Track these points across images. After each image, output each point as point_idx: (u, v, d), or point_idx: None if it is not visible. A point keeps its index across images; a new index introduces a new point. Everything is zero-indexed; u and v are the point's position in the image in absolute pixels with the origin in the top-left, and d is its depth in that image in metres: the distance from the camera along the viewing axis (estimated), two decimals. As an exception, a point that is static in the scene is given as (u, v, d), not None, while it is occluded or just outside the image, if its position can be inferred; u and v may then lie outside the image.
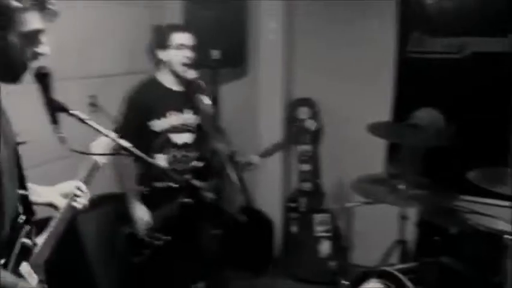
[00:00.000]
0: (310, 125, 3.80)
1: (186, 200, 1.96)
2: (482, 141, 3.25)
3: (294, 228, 3.78)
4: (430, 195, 2.60)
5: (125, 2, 3.15)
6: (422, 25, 3.33)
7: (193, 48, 2.50)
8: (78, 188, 1.57)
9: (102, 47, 3.04)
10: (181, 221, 2.39)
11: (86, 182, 1.57)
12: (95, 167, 1.57)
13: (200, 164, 2.47)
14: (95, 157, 1.57)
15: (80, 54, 2.85)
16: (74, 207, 1.55)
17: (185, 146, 2.57)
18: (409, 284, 2.28)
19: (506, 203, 2.52)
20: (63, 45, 2.61)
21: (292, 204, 3.85)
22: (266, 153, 2.73)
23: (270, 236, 3.82)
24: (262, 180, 3.94)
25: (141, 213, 2.46)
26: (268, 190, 3.93)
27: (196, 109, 2.53)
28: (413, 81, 3.44)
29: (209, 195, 1.92)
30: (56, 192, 1.60)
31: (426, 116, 3.36)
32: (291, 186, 3.98)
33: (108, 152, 1.55)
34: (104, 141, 1.59)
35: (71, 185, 1.61)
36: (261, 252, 3.78)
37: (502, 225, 2.42)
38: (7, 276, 1.30)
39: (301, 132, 3.80)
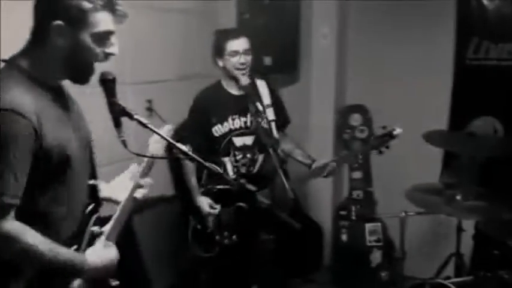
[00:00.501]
0: (362, 132, 3.75)
1: (241, 204, 2.00)
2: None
3: (344, 237, 3.73)
4: (487, 206, 2.50)
5: (177, 8, 3.23)
6: (482, 30, 3.23)
7: (247, 52, 2.55)
8: (137, 182, 1.61)
9: (157, 53, 3.14)
10: (238, 224, 2.43)
11: (143, 175, 1.62)
12: (152, 161, 1.63)
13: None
14: (151, 152, 1.62)
15: (136, 60, 2.95)
16: (135, 198, 1.60)
17: (247, 149, 2.62)
18: (465, 298, 2.20)
19: None
20: (122, 51, 2.73)
21: (343, 212, 3.80)
22: (341, 161, 2.68)
23: (320, 243, 3.80)
24: (313, 188, 3.93)
25: (206, 206, 2.51)
26: (319, 197, 3.91)
27: (256, 111, 2.57)
28: (472, 89, 3.34)
29: (264, 200, 1.94)
30: (113, 188, 1.67)
31: (485, 124, 3.25)
32: (342, 194, 3.94)
33: (164, 150, 1.60)
34: (160, 138, 1.63)
35: (125, 178, 1.67)
36: (310, 260, 3.75)
37: None
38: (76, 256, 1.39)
39: (353, 139, 3.76)
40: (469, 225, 2.78)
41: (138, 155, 1.49)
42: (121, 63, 2.71)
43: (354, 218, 3.69)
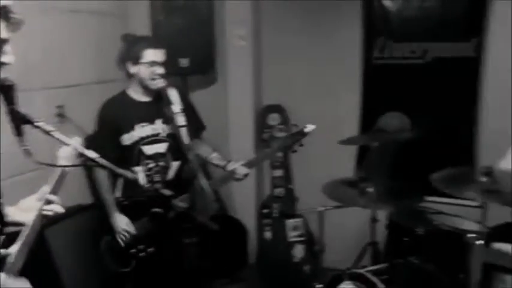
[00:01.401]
0: (281, 131, 3.84)
1: (156, 210, 1.97)
2: (448, 144, 3.35)
3: (268, 234, 3.80)
4: (398, 197, 2.65)
5: (88, 10, 3.12)
6: (386, 31, 3.42)
7: (164, 64, 2.51)
8: (47, 198, 1.54)
9: (69, 57, 3.01)
10: (156, 231, 2.38)
11: (54, 191, 1.55)
12: (63, 175, 1.56)
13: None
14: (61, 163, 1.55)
15: (47, 65, 2.82)
16: (44, 216, 1.52)
17: (159, 156, 2.57)
18: (380, 284, 2.33)
19: (472, 203, 2.62)
20: (30, 56, 2.59)
21: (265, 211, 3.87)
22: (254, 163, 2.68)
23: (244, 242, 3.84)
24: (236, 188, 3.95)
25: (122, 223, 2.45)
26: (242, 197, 3.94)
27: (166, 118, 2.53)
28: (380, 86, 3.52)
29: (180, 204, 1.92)
30: (20, 210, 1.58)
31: (393, 120, 3.45)
32: (264, 193, 4.01)
33: (74, 161, 1.54)
34: (70, 149, 1.57)
35: (31, 200, 1.58)
36: (235, 259, 3.79)
37: (466, 225, 2.50)
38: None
39: (272, 138, 3.83)
40: (382, 215, 2.94)
41: (44, 164, 1.42)
42: (32, 68, 2.59)
43: (276, 215, 3.77)
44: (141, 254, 2.43)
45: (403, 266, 2.50)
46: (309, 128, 2.59)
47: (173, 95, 2.61)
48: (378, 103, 3.53)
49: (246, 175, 2.60)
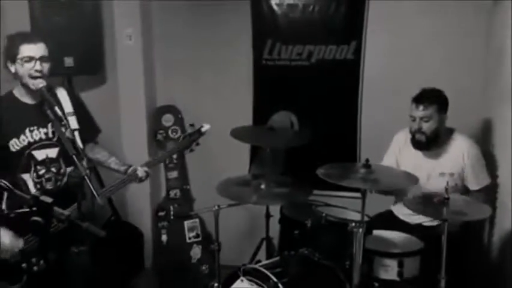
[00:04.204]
0: (175, 132, 3.82)
1: (36, 218, 1.85)
2: (334, 140, 3.57)
3: (164, 237, 3.76)
4: (287, 192, 2.77)
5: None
6: (274, 33, 3.55)
7: (45, 59, 2.35)
8: None
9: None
10: (43, 242, 2.22)
11: None
12: None
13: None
14: None
15: None
16: None
17: (51, 162, 2.42)
18: (273, 277, 2.41)
19: (355, 194, 2.82)
20: None
21: (161, 213, 3.83)
22: (153, 163, 2.62)
23: (140, 247, 3.75)
24: (131, 191, 3.86)
25: (5, 239, 2.24)
26: (137, 201, 3.85)
27: (57, 121, 2.38)
28: (269, 86, 3.65)
29: (61, 211, 1.83)
30: None
31: (282, 119, 3.59)
32: (160, 195, 3.95)
33: None
34: None
35: None
36: (131, 265, 3.69)
37: (350, 215, 2.69)
38: None
39: (166, 139, 3.80)
40: (276, 211, 3.05)
41: None
42: None
43: (172, 217, 3.74)
44: (33, 268, 2.27)
45: (295, 257, 2.62)
46: (206, 127, 2.65)
47: (62, 95, 2.47)
48: (268, 102, 3.66)
49: (147, 175, 2.55)
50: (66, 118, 2.32)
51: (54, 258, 2.33)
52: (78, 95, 2.79)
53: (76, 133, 2.37)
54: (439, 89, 2.79)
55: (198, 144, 2.74)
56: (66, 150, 2.34)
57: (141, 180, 2.58)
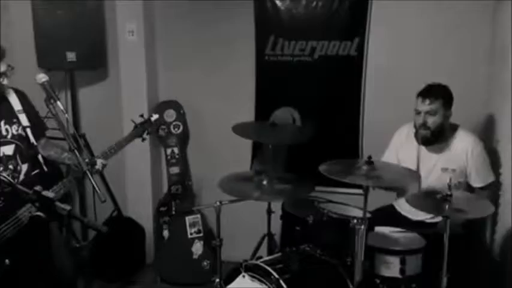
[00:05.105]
0: (177, 127, 3.81)
1: (39, 213, 1.84)
2: (336, 136, 3.55)
3: (166, 233, 3.76)
4: (289, 188, 2.76)
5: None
6: (277, 29, 3.53)
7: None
8: None
9: None
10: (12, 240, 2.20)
11: None
12: None
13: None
14: None
15: None
16: None
17: (7, 159, 2.41)
18: (274, 273, 2.40)
19: (356, 191, 2.81)
20: None
21: (163, 209, 3.83)
22: (107, 155, 2.62)
23: (141, 242, 3.76)
24: (133, 187, 3.86)
25: None
26: (139, 196, 3.86)
27: (10, 119, 2.40)
28: (272, 82, 3.63)
29: (64, 206, 1.81)
30: None
31: (284, 115, 3.58)
32: (162, 191, 3.95)
33: None
34: None
35: None
36: (132, 260, 3.69)
37: (352, 212, 2.68)
38: None
39: (168, 135, 3.80)
40: (278, 207, 3.04)
41: None
42: None
43: (173, 212, 3.73)
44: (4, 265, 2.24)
45: (296, 253, 2.61)
46: (154, 117, 2.84)
47: (11, 95, 2.48)
48: (271, 98, 3.64)
49: (104, 166, 2.53)
50: (17, 116, 2.35)
51: (25, 256, 2.30)
52: (67, 90, 2.80)
53: (28, 130, 2.40)
54: (445, 84, 2.78)
55: (149, 133, 2.85)
56: (21, 148, 2.36)
57: (97, 171, 2.54)
